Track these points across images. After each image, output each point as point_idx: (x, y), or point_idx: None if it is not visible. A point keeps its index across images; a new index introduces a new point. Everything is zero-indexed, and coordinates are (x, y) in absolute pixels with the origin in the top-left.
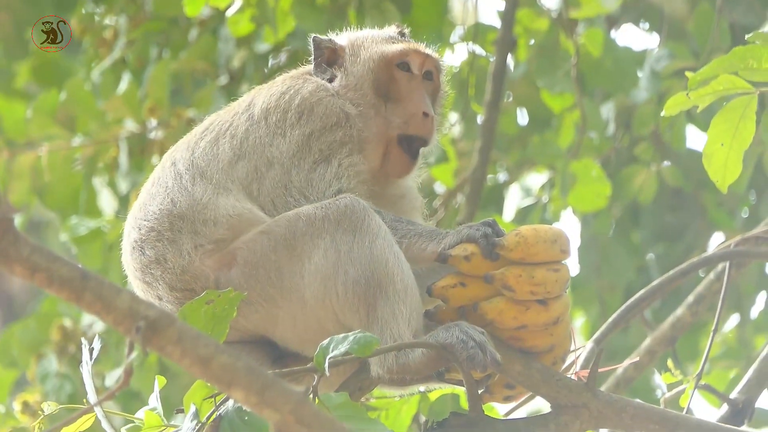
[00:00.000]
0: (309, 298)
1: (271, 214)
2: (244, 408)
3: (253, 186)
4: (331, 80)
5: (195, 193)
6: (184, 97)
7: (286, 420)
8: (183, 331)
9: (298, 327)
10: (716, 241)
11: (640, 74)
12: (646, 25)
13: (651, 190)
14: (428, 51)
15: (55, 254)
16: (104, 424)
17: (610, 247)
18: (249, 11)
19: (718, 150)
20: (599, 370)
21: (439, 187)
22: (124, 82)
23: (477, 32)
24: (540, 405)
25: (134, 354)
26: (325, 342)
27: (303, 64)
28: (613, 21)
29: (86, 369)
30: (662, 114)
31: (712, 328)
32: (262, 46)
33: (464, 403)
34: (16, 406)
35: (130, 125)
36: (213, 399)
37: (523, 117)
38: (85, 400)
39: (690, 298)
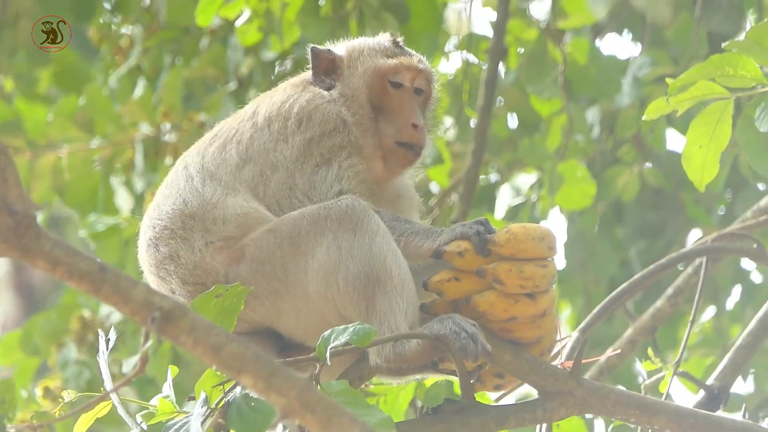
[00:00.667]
0: (312, 292)
1: (276, 213)
2: (250, 395)
3: (259, 188)
4: (329, 88)
5: (205, 194)
6: (195, 102)
7: (292, 404)
8: (196, 321)
9: (301, 319)
10: (694, 236)
11: (623, 81)
12: (629, 34)
13: (633, 190)
14: (419, 66)
15: (75, 249)
16: (120, 411)
17: (594, 242)
18: (257, 22)
19: (696, 152)
20: (583, 360)
21: (435, 187)
22: (140, 88)
23: (470, 42)
24: (528, 392)
25: (149, 343)
26: (327, 333)
27: (305, 71)
28: (598, 30)
29: (103, 358)
30: (644, 118)
31: (690, 318)
32: (269, 54)
33: (458, 390)
34: (38, 391)
35: (145, 128)
36: (222, 386)
37: (513, 121)
38: (102, 388)
39: (669, 291)
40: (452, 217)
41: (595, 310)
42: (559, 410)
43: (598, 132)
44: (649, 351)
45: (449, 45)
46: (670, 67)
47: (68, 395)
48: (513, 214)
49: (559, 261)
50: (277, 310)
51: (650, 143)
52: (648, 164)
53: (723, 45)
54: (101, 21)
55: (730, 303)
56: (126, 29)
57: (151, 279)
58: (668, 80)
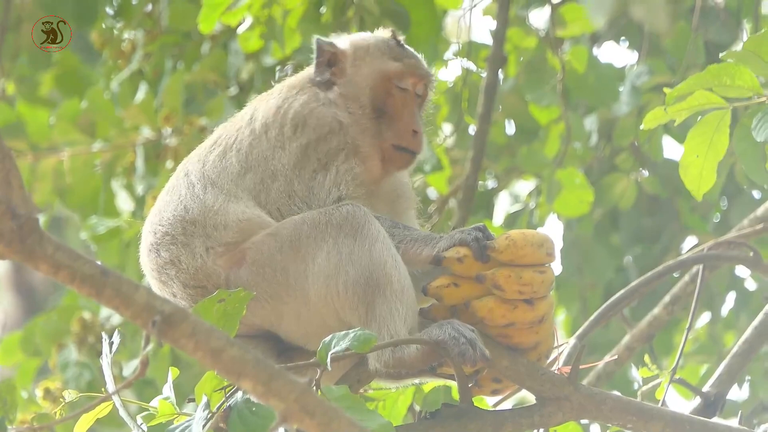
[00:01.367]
0: (312, 296)
1: (277, 219)
2: (251, 399)
3: (261, 196)
4: (330, 85)
5: (207, 201)
6: (196, 107)
7: (291, 408)
8: (196, 325)
9: (301, 322)
10: (689, 243)
11: (621, 89)
12: (627, 43)
13: (630, 197)
14: (426, 72)
15: (78, 253)
16: (121, 412)
17: (591, 248)
18: (258, 28)
19: (693, 161)
20: (581, 366)
21: (434, 193)
22: (141, 92)
23: (470, 49)
24: (524, 396)
25: (150, 346)
26: (327, 338)
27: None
28: (596, 39)
29: (106, 361)
30: (642, 127)
31: (687, 325)
32: (270, 60)
33: (456, 395)
34: (39, 392)
35: (147, 132)
36: (223, 390)
37: (511, 128)
38: (103, 389)
39: (666, 298)
40: (451, 223)
41: (592, 317)
42: (556, 415)
43: (596, 140)
44: (646, 357)
45: (449, 53)
46: (667, 75)
47: (69, 395)
48: (511, 220)
49: (556, 267)
50: (277, 313)
51: (647, 151)
52: (645, 172)
53: (720, 55)
54: (103, 26)
55: (725, 310)
56: (128, 34)
57: (152, 283)
58: (666, 90)
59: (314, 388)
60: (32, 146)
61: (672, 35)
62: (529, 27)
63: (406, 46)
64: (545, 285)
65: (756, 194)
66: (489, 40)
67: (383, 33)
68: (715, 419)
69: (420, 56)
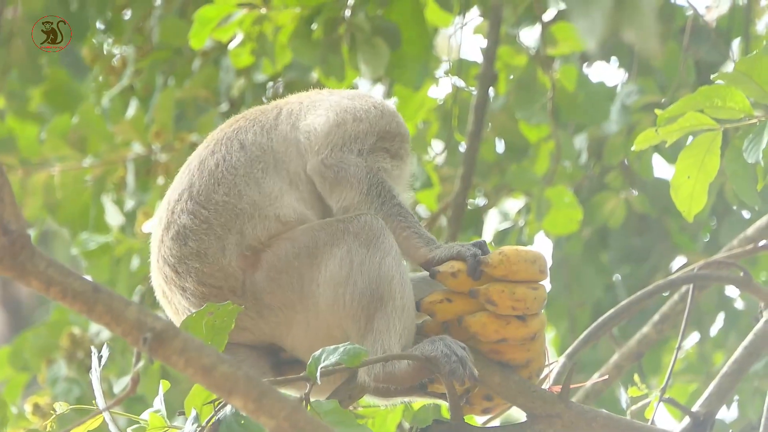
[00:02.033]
0: (322, 305)
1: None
2: (241, 413)
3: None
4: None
5: (264, 187)
6: (187, 123)
7: (281, 425)
8: (187, 341)
9: (309, 333)
10: (678, 263)
11: (611, 108)
12: (617, 62)
13: (619, 216)
14: None
15: (69, 269)
16: (111, 428)
17: (580, 267)
18: (249, 45)
19: (685, 182)
20: (571, 386)
21: (423, 210)
22: (132, 108)
23: (461, 67)
24: (510, 414)
25: (141, 363)
26: (318, 353)
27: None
28: (586, 58)
29: (95, 375)
30: (633, 148)
31: (676, 345)
32: (261, 76)
33: (446, 413)
34: (27, 407)
35: (137, 148)
36: (212, 404)
37: (501, 146)
38: (93, 401)
39: (656, 317)
40: (441, 241)
41: (582, 336)
42: None
43: (586, 158)
44: (636, 377)
45: (439, 70)
46: (657, 95)
47: (60, 407)
48: (500, 238)
49: (545, 284)
50: (288, 322)
51: (637, 170)
52: (634, 191)
53: (712, 76)
54: (94, 41)
55: (714, 330)
56: (119, 50)
57: (164, 270)
58: (657, 111)
59: (304, 403)
60: (23, 161)
61: (663, 56)
62: (520, 45)
63: None
64: (538, 302)
65: (746, 214)
66: (479, 58)
67: None
68: None
69: None
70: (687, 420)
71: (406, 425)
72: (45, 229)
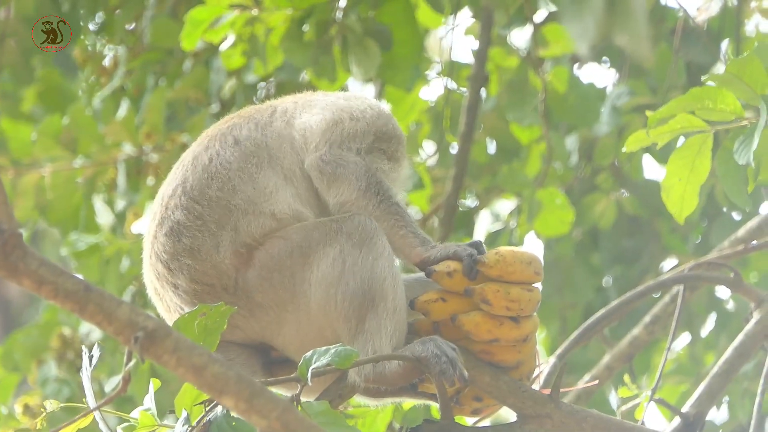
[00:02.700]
0: (313, 305)
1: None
2: (232, 413)
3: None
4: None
5: (259, 182)
6: (178, 123)
7: (273, 426)
8: (179, 341)
9: (300, 333)
10: (669, 264)
11: (602, 109)
12: (608, 63)
13: (610, 217)
14: None
15: (61, 268)
16: (102, 427)
17: (571, 268)
18: (241, 46)
19: (675, 184)
20: (561, 389)
21: (415, 212)
22: (123, 109)
23: (452, 69)
24: (499, 415)
25: (132, 362)
26: (309, 354)
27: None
28: (577, 59)
29: (86, 375)
30: (624, 150)
31: (667, 346)
32: (252, 77)
33: (436, 414)
34: (18, 408)
35: (128, 148)
36: (203, 404)
37: (493, 147)
38: (84, 400)
39: (646, 318)
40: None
41: (572, 336)
42: None
43: (577, 160)
44: (626, 377)
45: (431, 72)
46: (648, 96)
47: (50, 405)
48: (492, 239)
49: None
50: (279, 321)
51: (627, 172)
52: (625, 192)
53: (703, 78)
54: (86, 42)
55: (705, 331)
56: (110, 50)
57: (156, 266)
58: (648, 113)
59: (294, 403)
60: (14, 162)
61: (654, 58)
62: (511, 46)
63: None
64: (532, 304)
65: (736, 216)
66: (471, 60)
67: None
68: None
69: None
70: (677, 420)
71: (397, 425)
72: (34, 230)
